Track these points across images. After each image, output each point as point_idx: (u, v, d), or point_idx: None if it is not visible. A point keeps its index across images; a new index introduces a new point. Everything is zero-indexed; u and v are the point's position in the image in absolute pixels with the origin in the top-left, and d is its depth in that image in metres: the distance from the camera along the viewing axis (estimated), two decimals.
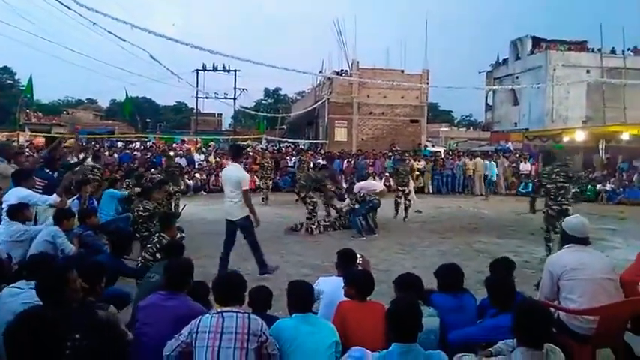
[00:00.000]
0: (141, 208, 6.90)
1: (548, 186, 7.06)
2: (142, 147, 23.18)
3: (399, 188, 11.49)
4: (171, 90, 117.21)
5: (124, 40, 12.25)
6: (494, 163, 18.26)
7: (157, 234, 5.33)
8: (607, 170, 18.68)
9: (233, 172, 6.37)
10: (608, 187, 16.79)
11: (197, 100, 34.58)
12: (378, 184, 11.44)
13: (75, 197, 7.02)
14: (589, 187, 16.85)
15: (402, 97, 26.99)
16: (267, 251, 7.03)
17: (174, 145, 24.80)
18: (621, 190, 16.46)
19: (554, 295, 3.52)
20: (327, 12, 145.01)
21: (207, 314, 2.75)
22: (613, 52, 28.11)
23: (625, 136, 17.13)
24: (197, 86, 30.85)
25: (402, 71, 26.85)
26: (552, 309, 3.43)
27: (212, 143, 27.12)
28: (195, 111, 38.83)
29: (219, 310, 2.75)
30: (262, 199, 14.07)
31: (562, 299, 3.46)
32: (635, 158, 18.08)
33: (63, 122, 36.94)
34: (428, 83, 26.23)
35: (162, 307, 3.03)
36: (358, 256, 4.25)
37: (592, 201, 16.11)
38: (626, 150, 18.53)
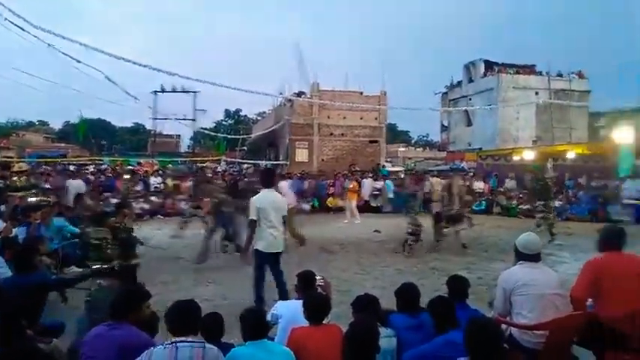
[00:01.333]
0: (92, 236, 6.57)
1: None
2: (97, 170, 22.41)
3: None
4: (129, 111, 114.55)
5: (79, 62, 12.10)
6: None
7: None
8: (555, 187, 19.46)
9: (279, 198, 6.04)
10: (557, 203, 17.46)
11: (155, 122, 34.06)
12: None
13: (22, 224, 6.70)
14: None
15: (361, 119, 27.48)
16: (223, 276, 6.93)
17: (129, 167, 24.15)
18: (568, 206, 17.15)
19: (506, 311, 3.61)
20: (288, 35, 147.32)
21: (160, 345, 2.64)
22: (559, 75, 29.70)
23: (571, 155, 17.95)
24: (155, 108, 30.40)
25: (361, 93, 27.40)
26: (505, 325, 3.54)
27: (170, 165, 26.62)
28: (152, 132, 38.11)
29: (172, 340, 2.64)
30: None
31: (514, 315, 3.56)
32: (579, 176, 18.94)
33: (11, 145, 35.45)
34: (386, 105, 26.84)
35: (107, 337, 2.87)
36: (318, 277, 4.20)
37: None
38: (572, 168, 19.38)
